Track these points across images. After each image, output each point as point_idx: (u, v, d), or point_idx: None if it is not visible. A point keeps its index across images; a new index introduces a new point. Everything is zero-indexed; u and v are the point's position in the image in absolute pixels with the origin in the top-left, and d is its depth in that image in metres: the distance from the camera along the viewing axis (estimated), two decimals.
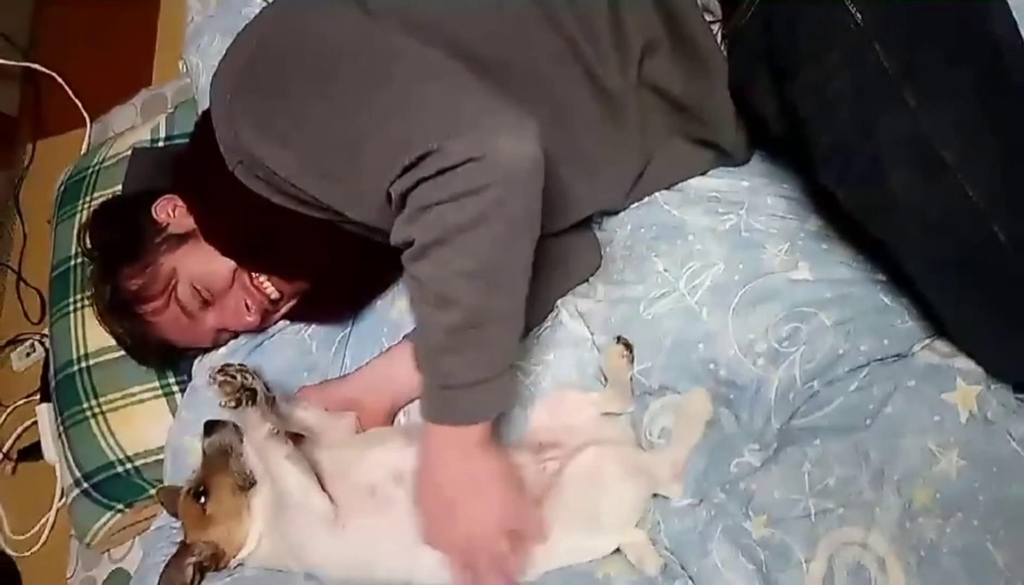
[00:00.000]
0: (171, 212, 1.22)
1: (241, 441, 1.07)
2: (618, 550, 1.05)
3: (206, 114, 1.14)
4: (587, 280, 1.23)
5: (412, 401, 1.23)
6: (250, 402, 1.02)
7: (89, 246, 1.28)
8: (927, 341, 1.03)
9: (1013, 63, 0.90)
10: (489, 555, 0.99)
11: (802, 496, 1.00)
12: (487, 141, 0.84)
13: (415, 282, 0.91)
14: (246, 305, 1.23)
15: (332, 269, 1.20)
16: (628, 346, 1.13)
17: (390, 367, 1.21)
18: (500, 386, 0.96)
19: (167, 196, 1.23)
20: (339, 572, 1.07)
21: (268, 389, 1.06)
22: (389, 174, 0.88)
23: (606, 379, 1.15)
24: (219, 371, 1.02)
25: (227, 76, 1.07)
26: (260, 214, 1.10)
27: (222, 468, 1.07)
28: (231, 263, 1.19)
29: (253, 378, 1.03)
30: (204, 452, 1.09)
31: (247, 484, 1.07)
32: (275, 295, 1.24)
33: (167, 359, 1.34)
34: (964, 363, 1.00)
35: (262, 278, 1.22)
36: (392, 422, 1.24)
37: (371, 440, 1.14)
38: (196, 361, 1.36)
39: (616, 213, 1.24)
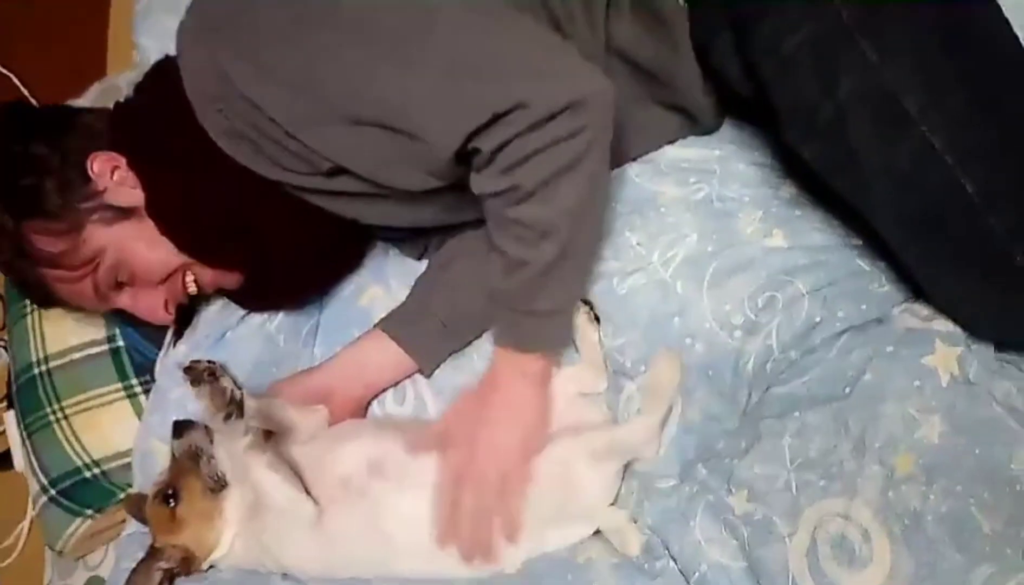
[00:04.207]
0: (110, 174, 1.05)
1: (211, 442, 1.04)
2: (598, 532, 1.03)
3: (161, 68, 1.06)
4: None
5: (384, 390, 1.20)
6: (238, 415, 0.99)
7: None
8: (905, 305, 1.02)
9: (975, 9, 0.88)
10: (479, 481, 1.00)
11: (783, 469, 0.98)
12: (574, 86, 0.88)
13: (515, 224, 0.93)
14: (165, 303, 1.12)
15: (290, 259, 1.13)
16: (588, 303, 1.11)
17: (361, 355, 1.18)
18: (569, 320, 1.06)
19: (107, 152, 1.05)
20: (317, 569, 1.05)
21: (237, 384, 1.02)
22: (461, 132, 0.88)
23: (577, 351, 1.13)
24: (189, 370, 0.99)
25: (209, 15, 0.98)
26: (228, 194, 1.03)
27: (192, 470, 1.04)
28: (176, 259, 1.08)
29: (226, 377, 1.00)
30: (173, 454, 1.06)
31: (218, 486, 1.04)
32: (194, 292, 1.14)
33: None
34: (943, 325, 0.99)
35: (190, 276, 1.12)
36: (365, 412, 1.21)
37: (344, 433, 1.11)
38: (158, 361, 1.32)
39: None
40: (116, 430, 1.31)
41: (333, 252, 1.18)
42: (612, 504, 1.05)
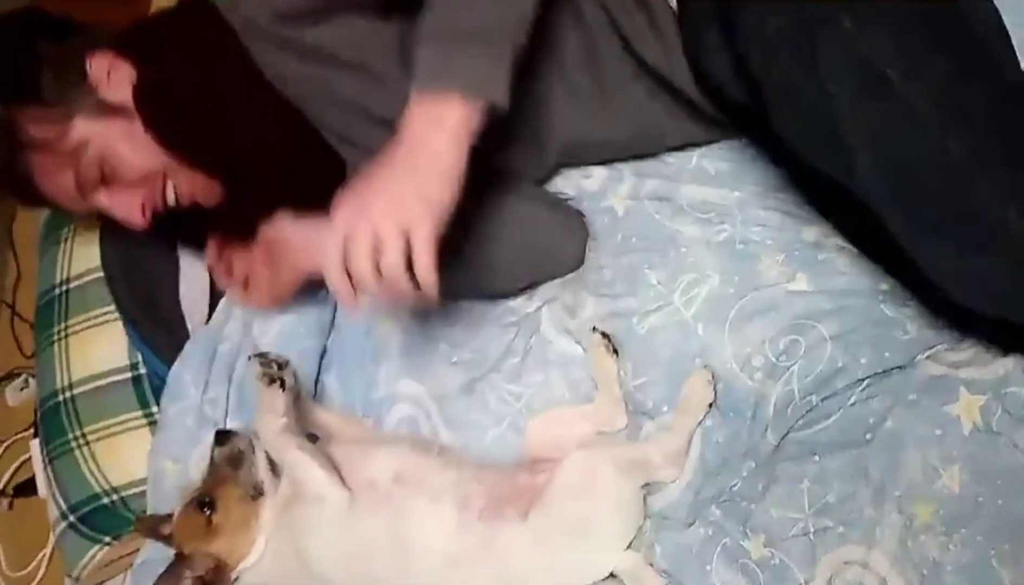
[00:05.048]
0: (107, 72, 1.08)
1: (254, 451, 1.06)
2: (612, 576, 1.01)
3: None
4: (566, 275, 1.21)
5: None
6: (281, 386, 1.04)
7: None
8: (929, 352, 1.00)
9: None
10: (374, 238, 0.88)
11: (801, 515, 0.97)
12: None
13: None
14: (142, 207, 1.14)
15: (267, 165, 1.14)
16: (606, 336, 1.11)
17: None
18: (495, 56, 0.90)
19: (106, 52, 1.08)
20: (340, 576, 1.05)
21: (297, 379, 1.07)
22: None
23: (596, 386, 1.12)
24: (259, 357, 1.06)
25: None
26: (214, 89, 1.06)
27: (230, 478, 1.06)
28: (157, 159, 1.10)
29: (286, 369, 1.06)
30: (212, 461, 1.07)
31: (256, 494, 1.06)
32: (172, 203, 1.16)
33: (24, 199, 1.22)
34: (968, 373, 0.96)
35: (170, 184, 1.14)
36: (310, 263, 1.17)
37: (380, 440, 1.15)
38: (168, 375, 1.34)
39: (605, 203, 1.22)
40: (135, 457, 1.33)
41: (310, 167, 1.17)
42: (629, 546, 1.03)
